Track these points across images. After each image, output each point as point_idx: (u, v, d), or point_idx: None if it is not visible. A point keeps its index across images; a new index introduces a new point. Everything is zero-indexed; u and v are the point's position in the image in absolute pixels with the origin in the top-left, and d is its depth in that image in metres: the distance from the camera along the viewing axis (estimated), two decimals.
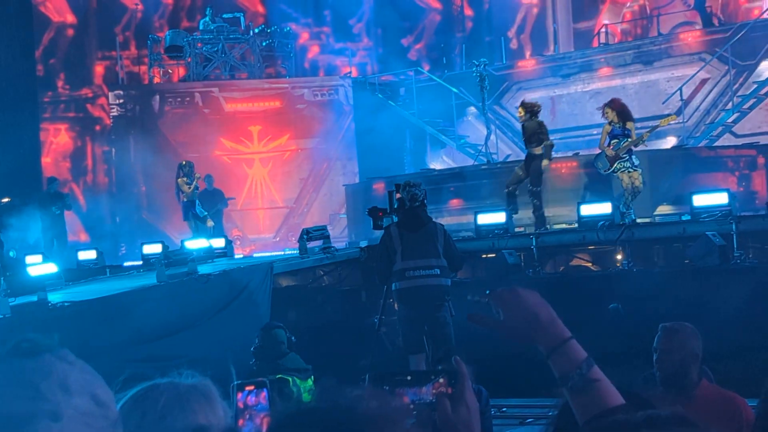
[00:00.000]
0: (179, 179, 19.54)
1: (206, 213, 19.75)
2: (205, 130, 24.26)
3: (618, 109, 15.58)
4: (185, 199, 19.53)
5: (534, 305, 2.28)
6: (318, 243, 16.46)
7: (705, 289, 12.13)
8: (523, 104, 16.84)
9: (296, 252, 16.68)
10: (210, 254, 16.50)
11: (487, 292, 2.32)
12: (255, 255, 20.53)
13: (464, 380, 2.10)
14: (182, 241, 17.37)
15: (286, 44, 26.11)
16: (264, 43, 25.69)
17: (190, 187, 19.32)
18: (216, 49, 25.19)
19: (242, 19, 26.03)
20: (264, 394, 2.34)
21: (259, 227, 23.92)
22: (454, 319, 11.06)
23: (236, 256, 18.43)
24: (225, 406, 2.24)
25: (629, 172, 15.18)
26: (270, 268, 14.39)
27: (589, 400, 2.21)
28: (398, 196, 11.60)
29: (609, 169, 15.45)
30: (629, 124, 15.34)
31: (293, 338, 9.07)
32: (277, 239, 23.93)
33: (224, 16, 25.81)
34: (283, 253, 19.28)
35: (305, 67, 28.57)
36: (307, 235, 16.35)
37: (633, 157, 15.29)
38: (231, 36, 25.34)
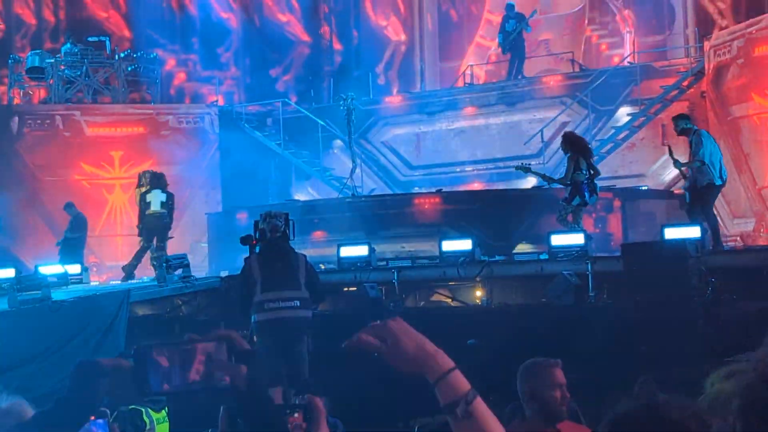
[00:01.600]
0: (137, 189, 18.62)
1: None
2: (65, 154, 23.70)
3: (565, 139, 15.59)
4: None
5: (420, 336, 2.35)
6: (178, 272, 16.22)
7: (560, 327, 12.36)
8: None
9: (155, 280, 16.42)
10: (65, 280, 16.07)
11: (370, 325, 2.36)
12: (112, 282, 20.09)
13: (320, 415, 2.10)
14: (36, 267, 16.87)
15: (152, 70, 25.76)
16: (129, 68, 25.29)
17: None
18: (79, 72, 24.67)
19: (108, 43, 25.61)
20: (102, 422, 2.28)
21: (117, 254, 23.34)
22: (313, 352, 11.02)
23: (92, 283, 17.99)
24: None
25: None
26: (126, 296, 14.09)
27: (471, 429, 2.26)
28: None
29: None
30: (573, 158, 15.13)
31: None
32: None
33: (89, 39, 25.35)
34: (140, 281, 18.90)
35: (171, 94, 28.24)
36: (166, 263, 16.10)
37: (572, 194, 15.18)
38: (95, 59, 24.87)
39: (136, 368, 2.23)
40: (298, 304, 11.01)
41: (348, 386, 11.24)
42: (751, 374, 1.99)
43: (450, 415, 2.30)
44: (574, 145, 15.28)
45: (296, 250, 11.66)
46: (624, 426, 1.99)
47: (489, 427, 2.30)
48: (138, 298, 15.02)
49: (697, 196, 14.73)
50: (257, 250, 11.65)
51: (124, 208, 23.96)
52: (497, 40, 24.72)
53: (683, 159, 15.04)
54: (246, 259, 11.57)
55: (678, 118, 15.42)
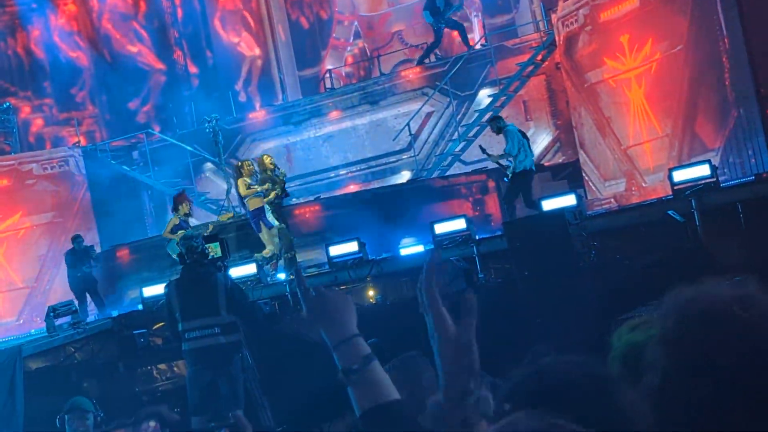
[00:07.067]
0: (238, 180, 17.17)
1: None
2: None
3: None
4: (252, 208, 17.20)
5: (338, 301, 2.43)
6: (66, 319, 15.92)
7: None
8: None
9: (44, 332, 16.08)
10: None
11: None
12: None
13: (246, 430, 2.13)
14: None
15: (7, 120, 25.13)
16: None
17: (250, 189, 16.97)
18: None
19: None
20: None
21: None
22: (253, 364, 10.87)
23: None
24: None
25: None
26: (18, 352, 13.76)
27: (367, 393, 2.32)
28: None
29: None
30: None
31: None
32: (21, 322, 22.88)
33: None
34: (30, 334, 18.47)
35: (30, 142, 27.61)
36: (53, 312, 15.79)
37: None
38: None
39: None
40: (218, 330, 10.53)
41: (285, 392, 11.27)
42: (662, 320, 2.05)
43: (347, 379, 2.38)
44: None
45: (223, 272, 11.28)
46: (519, 396, 2.06)
47: (384, 392, 2.39)
48: (30, 352, 14.67)
49: (518, 181, 16.74)
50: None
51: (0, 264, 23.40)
52: (424, 17, 23.32)
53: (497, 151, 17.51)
54: (165, 287, 11.13)
55: (492, 120, 17.79)
